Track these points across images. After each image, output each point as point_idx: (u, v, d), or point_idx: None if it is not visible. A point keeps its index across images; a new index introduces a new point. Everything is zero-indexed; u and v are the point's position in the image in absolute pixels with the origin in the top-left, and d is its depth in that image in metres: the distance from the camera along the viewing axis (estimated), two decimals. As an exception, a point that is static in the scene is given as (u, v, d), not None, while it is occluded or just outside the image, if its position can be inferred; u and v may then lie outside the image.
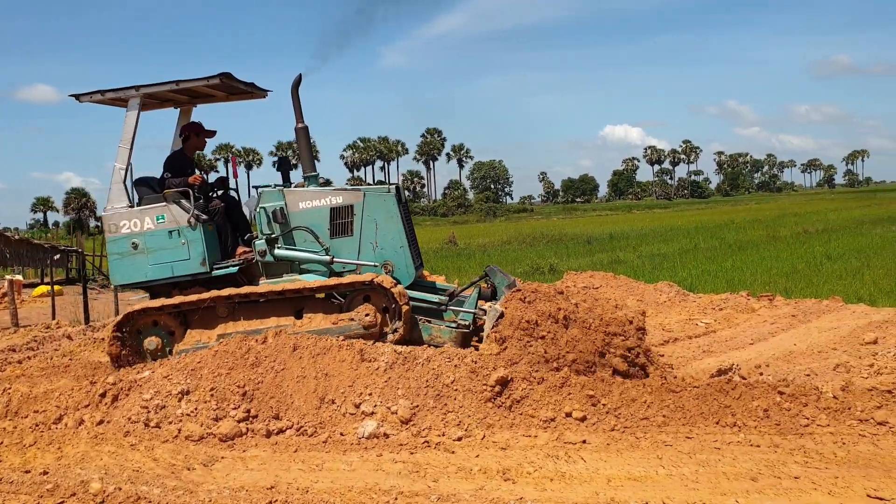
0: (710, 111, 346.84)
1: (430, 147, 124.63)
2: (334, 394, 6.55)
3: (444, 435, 6.10)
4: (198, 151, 9.38)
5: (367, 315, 7.71)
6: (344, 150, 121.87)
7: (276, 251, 8.22)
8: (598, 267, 21.68)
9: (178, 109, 9.59)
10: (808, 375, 7.47)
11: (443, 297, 8.35)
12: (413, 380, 6.59)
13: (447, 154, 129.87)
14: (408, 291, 7.95)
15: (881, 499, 4.66)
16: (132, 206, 8.29)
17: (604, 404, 6.31)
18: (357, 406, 6.43)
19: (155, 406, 6.60)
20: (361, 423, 6.24)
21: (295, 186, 8.59)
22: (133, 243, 8.17)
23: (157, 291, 8.40)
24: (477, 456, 5.68)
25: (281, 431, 6.33)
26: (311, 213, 8.28)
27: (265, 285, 7.97)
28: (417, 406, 6.40)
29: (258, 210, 8.27)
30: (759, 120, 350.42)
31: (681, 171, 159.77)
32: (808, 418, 6.00)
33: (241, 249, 8.64)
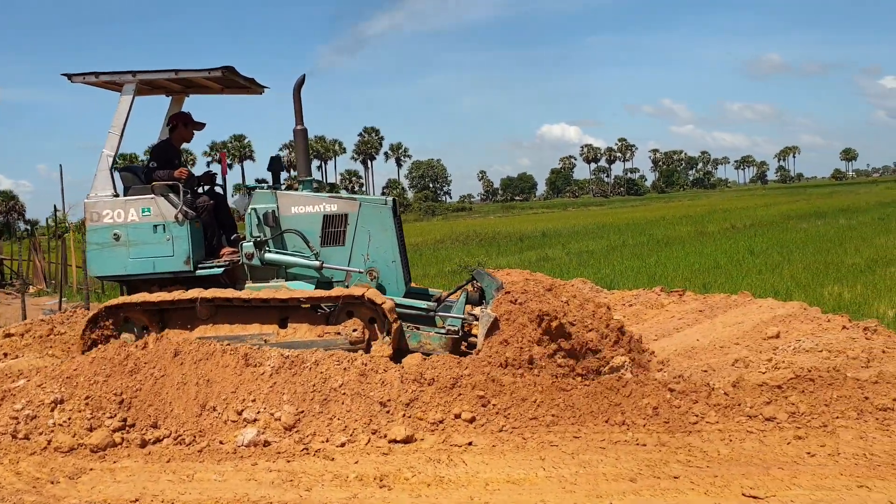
0: (645, 110, 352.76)
1: (368, 146, 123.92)
2: (216, 400, 6.28)
3: (327, 441, 5.88)
4: (185, 143, 9.01)
5: (354, 331, 7.38)
6: (280, 149, 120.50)
7: (265, 255, 7.90)
8: (527, 264, 21.68)
9: (170, 98, 9.24)
10: (705, 371, 7.43)
11: (431, 304, 8.02)
12: (300, 384, 6.35)
13: (385, 153, 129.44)
14: (395, 299, 7.71)
15: (756, 497, 4.58)
16: (117, 196, 7.92)
17: (494, 404, 6.16)
18: (239, 413, 6.16)
19: (25, 416, 6.23)
20: (242, 430, 5.99)
21: (286, 188, 8.27)
22: (115, 234, 7.81)
23: (135, 287, 8.01)
24: (356, 462, 5.47)
25: (158, 440, 6.04)
26: (303, 218, 8.00)
27: (233, 291, 7.63)
28: (303, 412, 6.16)
29: (249, 211, 7.95)
30: (694, 118, 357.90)
31: (618, 168, 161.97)
32: (697, 415, 5.94)
33: (226, 250, 8.31)
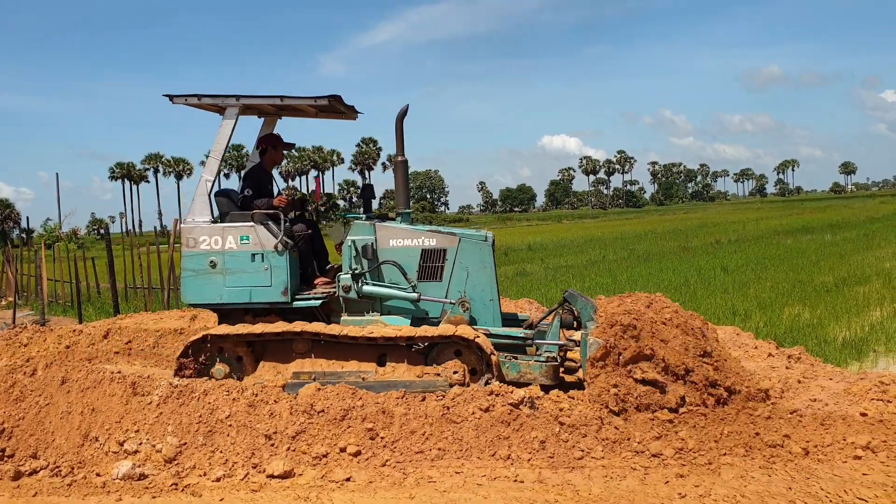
0: (645, 121, 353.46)
1: (366, 157, 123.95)
2: (99, 430, 6.16)
3: (204, 475, 5.75)
4: (276, 165, 8.82)
5: (455, 373, 7.13)
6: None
7: (363, 287, 7.70)
8: (502, 279, 21.52)
9: (262, 119, 9.10)
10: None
11: (528, 332, 7.78)
12: (186, 415, 6.22)
13: (383, 163, 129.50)
14: (490, 329, 7.59)
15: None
16: (215, 222, 7.75)
17: (382, 437, 6.03)
18: (121, 444, 6.05)
19: None
20: (119, 463, 5.86)
21: (378, 218, 8.10)
22: (211, 261, 7.62)
23: (226, 315, 7.85)
24: (222, 500, 5.33)
25: (34, 472, 5.91)
26: (401, 252, 7.81)
27: (329, 326, 7.42)
28: (185, 443, 6.03)
29: (348, 243, 7.76)
30: (694, 130, 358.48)
31: (618, 181, 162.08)
32: (583, 450, 5.80)
33: (320, 280, 8.15)
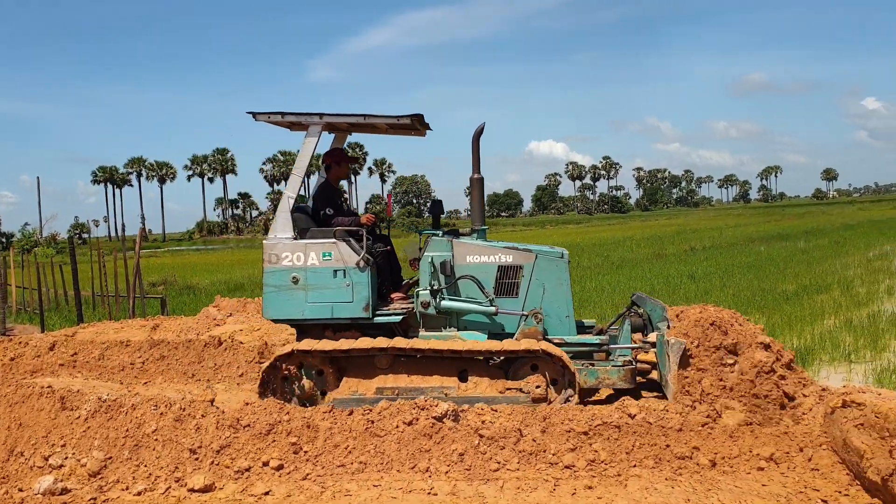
0: (631, 127, 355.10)
1: (352, 161, 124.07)
2: (25, 445, 6.24)
3: (126, 489, 5.84)
4: (342, 180, 8.92)
5: (537, 387, 7.22)
6: (263, 163, 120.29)
7: (441, 302, 7.78)
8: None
9: (333, 135, 9.22)
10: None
11: (603, 338, 7.95)
12: (113, 429, 6.32)
13: (369, 168, 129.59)
14: (566, 338, 7.75)
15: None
16: (296, 238, 7.82)
17: (306, 451, 6.15)
18: (46, 459, 6.13)
19: None
20: (41, 478, 5.93)
21: (451, 234, 8.18)
22: (293, 277, 7.70)
23: (305, 331, 7.93)
24: (137, 513, 5.44)
25: (-41, 488, 6.00)
26: (477, 268, 7.92)
27: (406, 341, 7.50)
28: (111, 458, 6.13)
29: (428, 259, 7.84)
30: (679, 136, 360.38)
31: (604, 186, 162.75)
32: (499, 462, 5.92)
33: (396, 295, 8.27)
